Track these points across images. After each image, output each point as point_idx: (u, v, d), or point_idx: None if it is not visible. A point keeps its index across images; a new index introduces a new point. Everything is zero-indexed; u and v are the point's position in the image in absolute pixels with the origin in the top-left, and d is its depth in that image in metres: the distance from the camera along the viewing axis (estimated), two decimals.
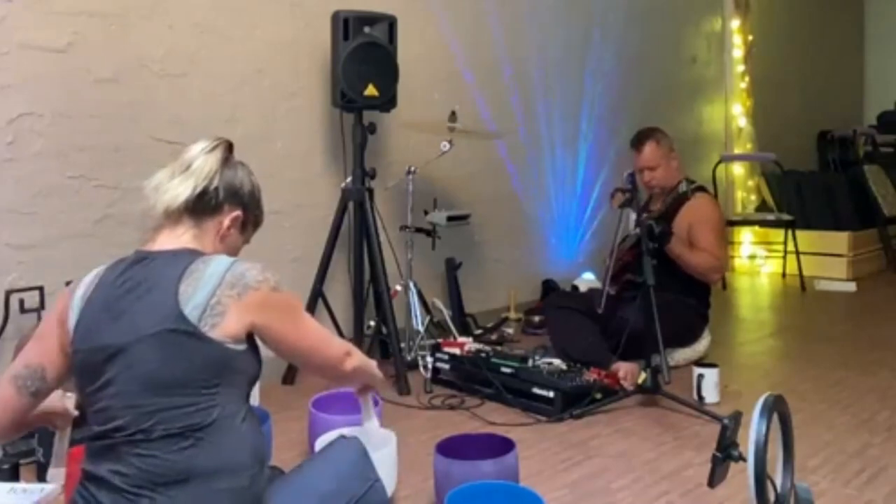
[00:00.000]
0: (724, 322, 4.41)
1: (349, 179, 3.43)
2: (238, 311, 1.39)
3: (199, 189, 1.50)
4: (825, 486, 2.25)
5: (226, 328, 1.37)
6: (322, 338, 1.60)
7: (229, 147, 1.58)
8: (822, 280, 5.56)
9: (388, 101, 3.41)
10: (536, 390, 2.93)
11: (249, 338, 1.43)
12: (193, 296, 1.36)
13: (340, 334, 3.45)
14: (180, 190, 1.49)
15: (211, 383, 1.36)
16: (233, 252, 1.58)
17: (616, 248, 3.49)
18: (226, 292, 1.38)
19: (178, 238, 1.49)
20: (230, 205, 1.55)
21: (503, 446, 2.12)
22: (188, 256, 1.43)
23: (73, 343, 1.42)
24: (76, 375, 1.44)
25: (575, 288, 4.49)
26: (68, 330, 1.42)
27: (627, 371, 3.10)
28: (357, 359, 1.66)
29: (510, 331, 4.16)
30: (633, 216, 3.30)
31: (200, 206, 1.51)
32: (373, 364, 1.79)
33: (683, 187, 2.94)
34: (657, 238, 3.08)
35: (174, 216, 1.50)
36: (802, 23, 7.31)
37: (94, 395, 1.39)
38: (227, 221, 1.55)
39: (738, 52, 6.37)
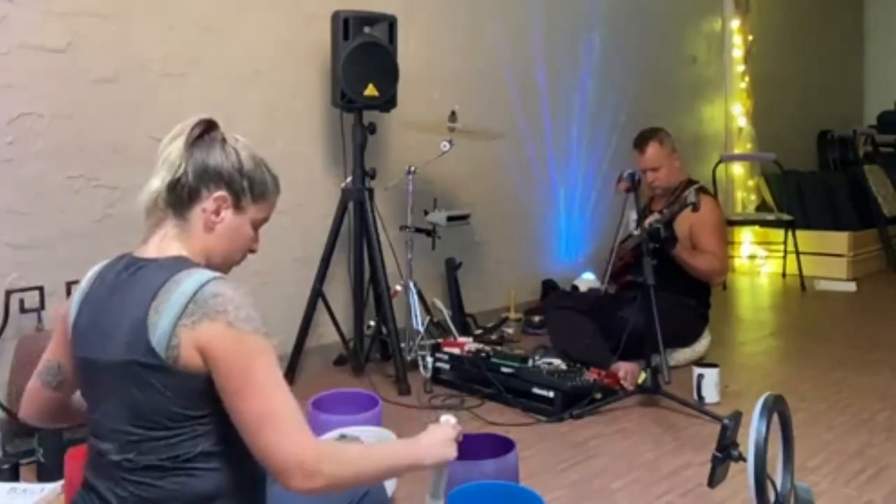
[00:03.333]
0: (724, 322, 4.41)
1: (349, 179, 3.43)
2: (189, 340, 1.24)
3: (167, 179, 1.36)
4: (825, 486, 2.25)
5: (184, 360, 1.24)
6: (273, 418, 1.22)
7: (205, 125, 1.41)
8: (822, 280, 5.56)
9: (388, 101, 3.41)
10: (536, 390, 2.93)
11: None
12: (158, 323, 1.25)
13: (340, 334, 3.45)
14: (154, 185, 1.37)
15: (192, 414, 1.27)
16: (241, 241, 1.44)
17: (617, 247, 3.50)
18: (183, 321, 1.24)
19: (163, 239, 1.38)
20: (207, 187, 1.37)
21: (503, 446, 2.12)
22: (169, 269, 1.31)
23: (72, 345, 1.39)
24: (77, 377, 1.42)
25: (575, 288, 4.49)
26: (68, 331, 1.40)
27: (627, 371, 3.10)
28: (327, 478, 1.21)
29: (510, 331, 4.16)
30: (634, 216, 3.31)
31: (175, 198, 1.37)
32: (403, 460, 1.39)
33: (692, 197, 2.90)
34: (662, 241, 3.07)
35: (155, 215, 1.39)
36: (802, 23, 7.31)
37: (90, 403, 1.37)
38: (209, 205, 1.37)
39: (738, 52, 6.36)
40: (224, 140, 1.43)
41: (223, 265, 1.43)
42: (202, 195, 1.38)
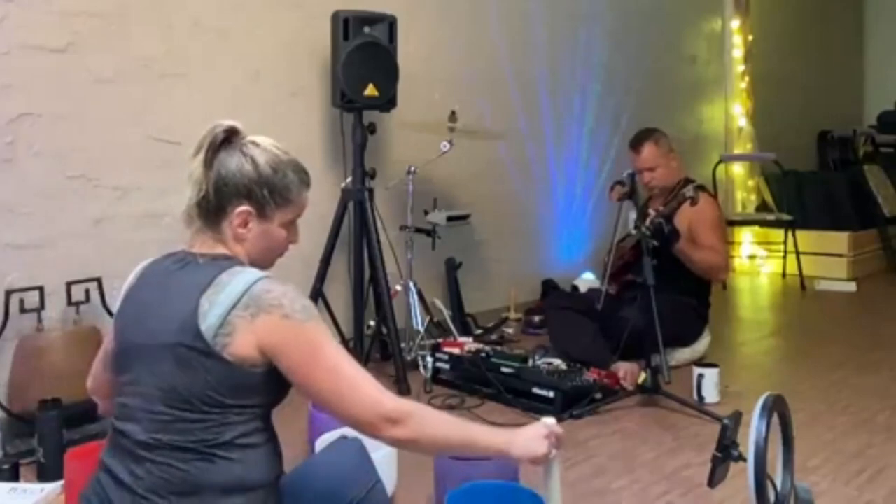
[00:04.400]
0: (724, 322, 4.41)
1: (349, 179, 3.43)
2: (247, 333, 1.32)
3: (194, 199, 1.43)
4: (825, 486, 2.25)
5: (236, 349, 1.32)
6: (350, 388, 1.34)
7: (224, 134, 1.44)
8: (822, 280, 5.55)
9: (388, 101, 3.41)
10: (536, 390, 2.93)
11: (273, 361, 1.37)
12: (209, 312, 1.32)
13: (340, 334, 3.45)
14: (185, 203, 1.45)
15: (227, 402, 1.33)
16: (276, 243, 1.51)
17: (615, 247, 3.49)
18: (238, 313, 1.32)
19: (204, 244, 1.45)
20: (230, 202, 1.43)
21: None
22: (219, 265, 1.39)
23: (117, 332, 1.45)
24: (112, 362, 1.46)
25: (575, 288, 4.49)
26: (114, 319, 1.47)
27: (627, 371, 3.10)
28: (414, 429, 1.34)
29: (510, 331, 4.16)
30: (633, 215, 3.31)
31: (204, 214, 1.44)
32: (489, 438, 1.44)
33: (690, 192, 2.94)
34: (666, 237, 3.08)
35: (194, 224, 1.46)
36: (802, 23, 7.31)
37: (121, 387, 1.41)
38: (235, 220, 1.44)
39: (738, 52, 6.37)
40: (243, 148, 1.45)
41: (265, 263, 1.51)
42: (227, 211, 1.44)
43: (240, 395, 1.34)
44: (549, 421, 1.49)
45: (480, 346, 3.33)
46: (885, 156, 7.03)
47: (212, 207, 1.43)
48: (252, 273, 1.38)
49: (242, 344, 1.32)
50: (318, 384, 1.35)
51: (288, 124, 3.51)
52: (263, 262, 1.50)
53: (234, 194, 1.43)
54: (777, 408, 1.72)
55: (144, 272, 1.48)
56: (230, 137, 1.46)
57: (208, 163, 1.42)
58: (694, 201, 2.96)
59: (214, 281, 1.35)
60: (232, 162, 1.43)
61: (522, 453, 1.44)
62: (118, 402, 1.41)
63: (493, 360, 3.14)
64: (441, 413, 1.45)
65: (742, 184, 6.44)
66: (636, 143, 3.61)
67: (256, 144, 1.47)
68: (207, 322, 1.32)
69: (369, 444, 1.66)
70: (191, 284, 1.36)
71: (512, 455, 1.44)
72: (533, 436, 1.46)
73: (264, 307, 1.33)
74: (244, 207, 1.44)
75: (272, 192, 1.45)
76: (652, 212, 3.18)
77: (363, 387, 1.35)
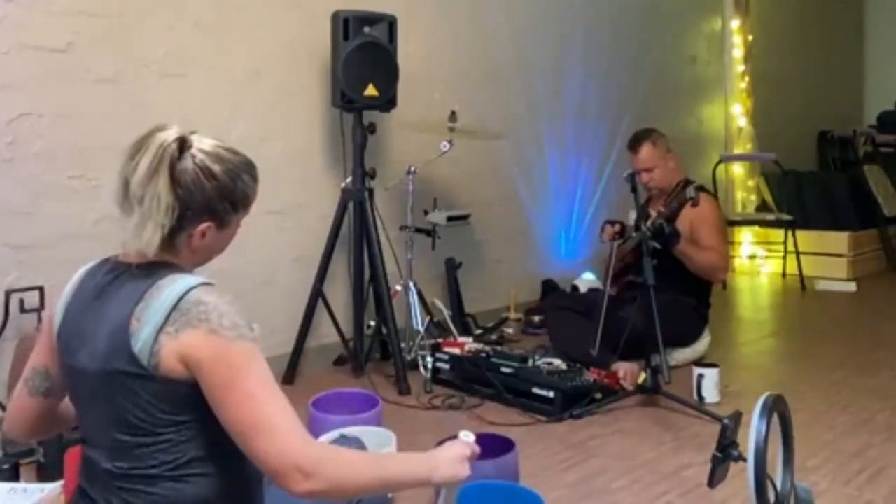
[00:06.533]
0: (724, 322, 4.41)
1: (349, 179, 3.43)
2: (171, 349, 1.21)
3: (167, 227, 1.28)
4: (825, 486, 2.26)
5: (165, 368, 1.22)
6: (267, 424, 1.19)
7: (178, 148, 1.30)
8: (822, 280, 5.56)
9: (388, 101, 3.41)
10: (536, 390, 2.93)
11: None
12: (140, 331, 1.22)
13: (340, 334, 3.46)
14: (146, 237, 1.28)
15: (179, 419, 1.25)
16: (225, 246, 1.41)
17: (616, 250, 3.50)
18: (166, 329, 1.22)
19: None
20: (192, 223, 1.31)
21: (503, 446, 2.12)
22: (152, 276, 1.28)
23: (59, 353, 1.36)
24: (65, 384, 1.39)
25: (575, 288, 4.49)
26: (54, 338, 1.37)
27: (627, 371, 3.10)
28: (328, 479, 1.19)
29: (510, 331, 4.16)
30: (633, 216, 3.31)
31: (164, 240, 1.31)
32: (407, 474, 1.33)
33: (691, 192, 2.95)
34: (667, 237, 3.09)
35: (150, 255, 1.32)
36: (802, 23, 7.31)
37: (80, 410, 1.36)
38: (195, 234, 1.33)
39: (738, 52, 6.37)
40: (195, 160, 1.31)
41: (208, 260, 1.41)
42: (185, 227, 1.32)
43: (189, 409, 1.25)
44: (470, 438, 1.39)
45: (480, 346, 3.34)
46: (885, 156, 7.02)
47: (170, 231, 1.30)
48: (185, 282, 1.26)
49: (170, 360, 1.22)
50: (233, 412, 1.20)
51: (288, 124, 3.51)
52: (207, 260, 1.41)
53: (197, 214, 1.31)
54: (777, 408, 1.72)
55: (81, 286, 1.37)
56: (181, 150, 1.31)
57: (175, 183, 1.28)
58: (695, 202, 2.98)
59: (145, 295, 1.25)
60: (188, 179, 1.30)
61: (446, 479, 1.34)
62: (81, 423, 1.36)
63: (493, 360, 3.14)
64: (355, 454, 1.33)
65: (742, 184, 6.44)
66: (634, 144, 3.63)
67: (206, 152, 1.33)
68: (140, 343, 1.22)
69: (370, 442, 1.66)
70: (121, 302, 1.27)
71: (435, 482, 1.34)
72: (456, 458, 1.34)
73: (191, 321, 1.22)
74: (206, 224, 1.32)
75: (234, 204, 1.35)
76: (653, 212, 3.18)
77: (280, 427, 1.20)
